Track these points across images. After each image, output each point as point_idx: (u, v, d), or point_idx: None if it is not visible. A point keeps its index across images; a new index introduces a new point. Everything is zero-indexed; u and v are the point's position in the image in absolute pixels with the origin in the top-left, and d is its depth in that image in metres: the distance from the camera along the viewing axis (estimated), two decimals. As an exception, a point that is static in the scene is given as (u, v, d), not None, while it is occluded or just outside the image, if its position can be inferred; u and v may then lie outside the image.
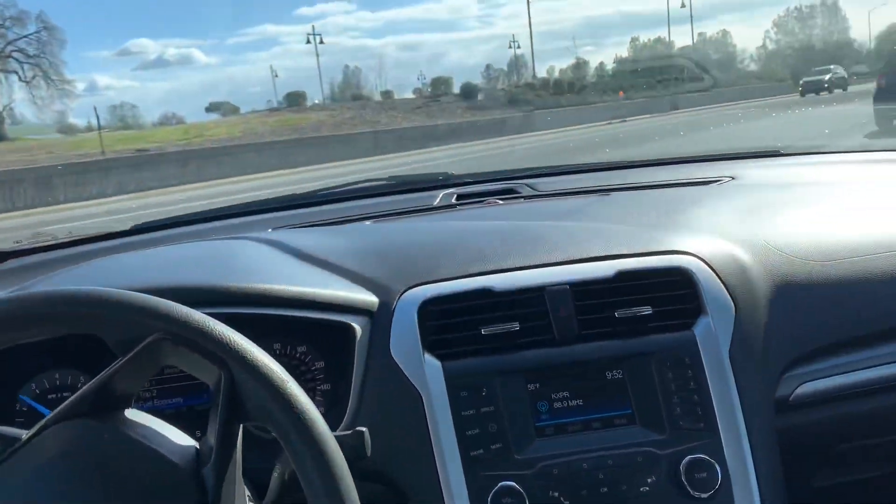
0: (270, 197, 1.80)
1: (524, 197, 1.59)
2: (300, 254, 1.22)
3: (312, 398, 1.09)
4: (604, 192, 1.54)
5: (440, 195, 1.66)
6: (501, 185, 1.69)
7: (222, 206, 1.86)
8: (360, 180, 1.82)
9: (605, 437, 1.01)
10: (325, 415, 0.73)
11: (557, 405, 1.03)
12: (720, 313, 1.08)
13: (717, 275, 1.11)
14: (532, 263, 1.12)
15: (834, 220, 1.31)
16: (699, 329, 1.06)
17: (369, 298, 1.08)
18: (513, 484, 0.97)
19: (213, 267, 1.16)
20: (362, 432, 0.81)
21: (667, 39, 55.62)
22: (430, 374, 1.02)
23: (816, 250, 1.20)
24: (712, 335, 1.06)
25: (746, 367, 1.05)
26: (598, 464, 0.99)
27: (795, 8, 56.14)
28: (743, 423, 1.02)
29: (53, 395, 1.11)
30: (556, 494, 0.98)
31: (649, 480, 0.99)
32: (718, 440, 1.01)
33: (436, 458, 0.98)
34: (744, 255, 1.16)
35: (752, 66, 54.36)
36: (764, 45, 57.28)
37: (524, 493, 0.97)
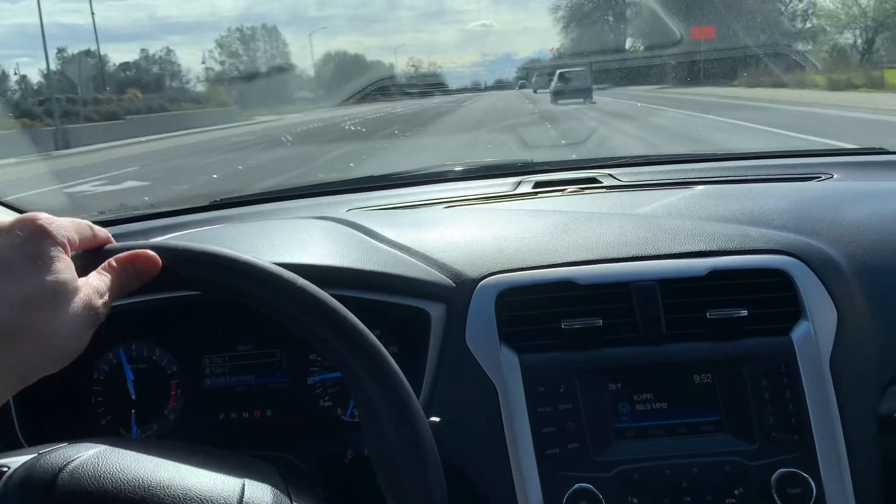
0: (346, 178, 1.78)
1: (606, 187, 1.53)
2: (376, 236, 1.19)
3: None
4: (690, 184, 1.47)
5: (518, 182, 1.61)
6: (581, 174, 1.63)
7: (291, 187, 1.86)
8: (436, 165, 1.79)
9: (691, 444, 0.96)
10: None
11: (640, 407, 0.98)
12: (821, 318, 1.00)
13: (819, 277, 1.03)
14: (618, 256, 1.06)
15: None
16: (797, 334, 0.99)
17: (446, 284, 1.05)
18: (589, 486, 0.92)
19: (293, 246, 1.15)
20: (436, 423, 0.78)
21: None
22: (506, 367, 0.98)
23: None
24: (812, 341, 0.99)
25: (848, 378, 0.98)
26: (682, 471, 0.94)
27: (237, 28, 51.88)
28: (842, 438, 0.94)
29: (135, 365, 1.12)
30: (635, 501, 0.93)
31: (736, 492, 0.93)
32: (814, 454, 0.94)
33: (509, 455, 0.95)
34: (845, 258, 1.08)
35: (200, 88, 46.93)
36: (210, 67, 50.01)
37: (601, 497, 0.92)
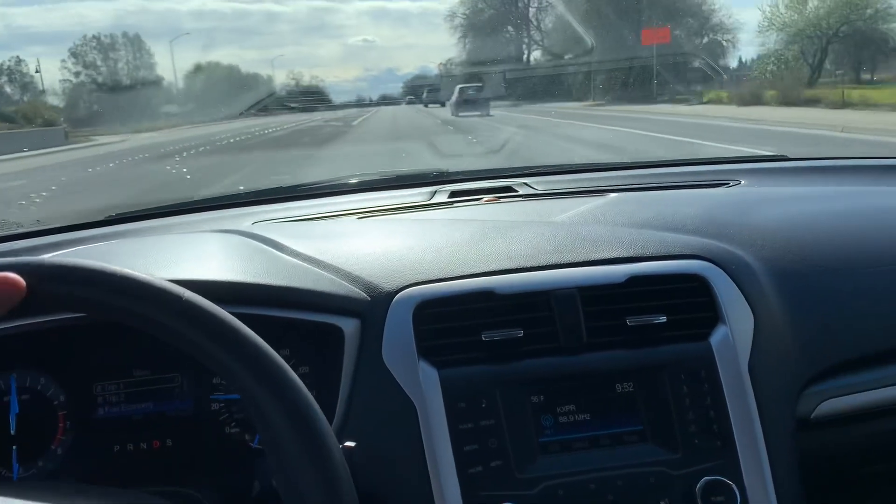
0: (251, 190, 1.70)
1: (522, 196, 1.51)
2: (284, 249, 1.13)
3: None
4: (603, 192, 1.46)
5: (434, 192, 1.58)
6: (497, 183, 1.60)
7: (193, 199, 1.76)
8: (348, 175, 1.73)
9: (615, 455, 0.93)
10: None
11: (563, 419, 0.95)
12: (738, 323, 1.00)
13: (734, 281, 1.03)
14: (536, 265, 1.03)
15: (851, 227, 1.24)
16: (716, 339, 0.98)
17: (360, 298, 0.99)
18: None
19: (190, 261, 1.07)
20: (350, 448, 0.73)
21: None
22: (425, 383, 0.93)
23: (835, 258, 1.13)
24: (730, 346, 0.98)
25: (766, 382, 0.98)
26: (607, 484, 0.91)
27: (94, 37, 44.24)
28: (763, 442, 0.94)
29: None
30: None
31: (662, 503, 0.91)
32: (736, 460, 0.93)
33: (430, 476, 0.90)
34: (759, 261, 1.08)
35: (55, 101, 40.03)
36: (67, 79, 43.16)
37: None
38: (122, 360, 1.04)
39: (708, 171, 1.65)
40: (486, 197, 1.49)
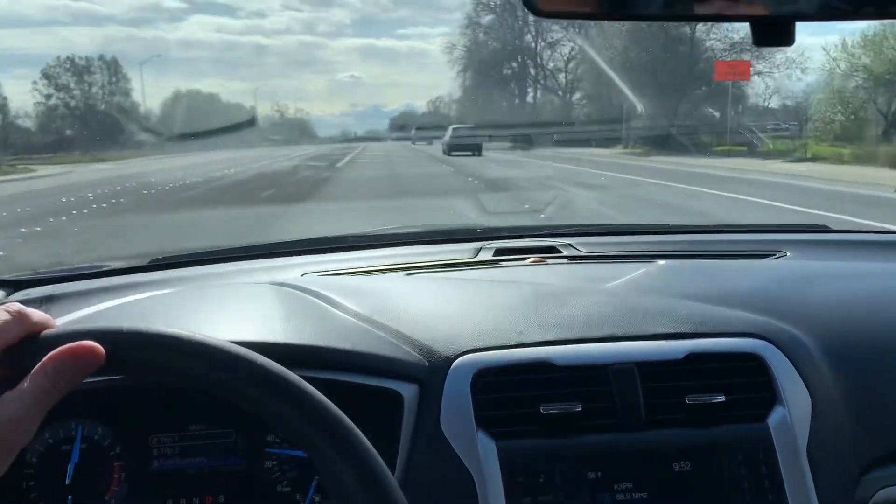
0: (298, 239, 1.72)
1: (567, 257, 1.52)
2: (339, 306, 1.14)
3: None
4: (650, 258, 1.47)
5: (477, 248, 1.59)
6: (541, 242, 1.62)
7: (245, 245, 1.78)
8: (391, 227, 1.75)
9: None
10: None
11: (620, 497, 0.94)
12: (796, 404, 1.00)
13: (791, 361, 1.03)
14: (593, 336, 1.04)
15: None
16: (774, 420, 0.98)
17: (418, 363, 1.00)
18: None
19: (249, 319, 1.08)
20: None
21: None
22: (483, 455, 0.93)
23: (891, 338, 1.12)
24: (788, 428, 0.98)
25: (825, 466, 0.97)
26: None
27: (68, 58, 41.39)
28: None
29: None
30: None
31: None
32: None
33: None
34: (815, 341, 1.08)
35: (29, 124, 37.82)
36: (40, 101, 39.54)
37: None
38: (179, 413, 1.05)
39: (750, 241, 1.66)
40: (532, 258, 1.50)
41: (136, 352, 0.67)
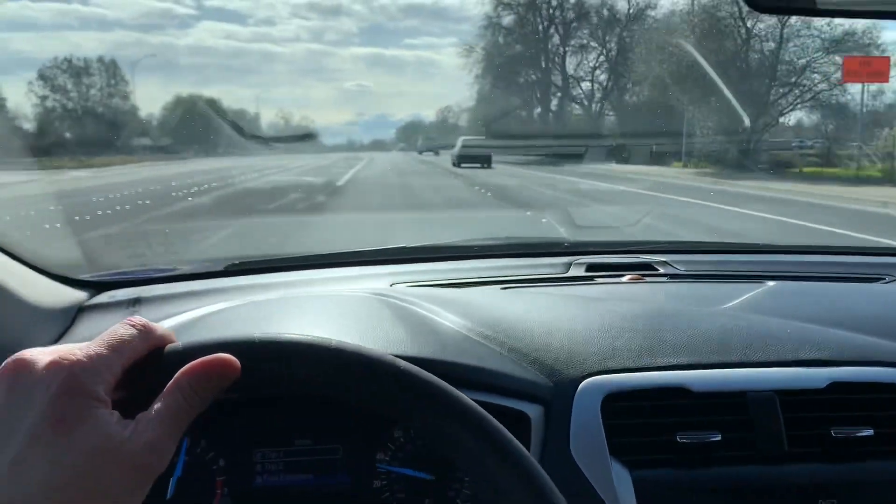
0: (378, 248, 1.67)
1: (666, 276, 1.45)
2: (446, 318, 1.08)
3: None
4: (756, 278, 1.40)
5: (567, 263, 1.53)
6: (633, 259, 1.55)
7: (316, 254, 1.73)
8: (476, 239, 1.69)
9: None
10: None
11: None
12: None
13: None
14: (727, 361, 0.97)
15: None
16: None
17: (543, 383, 0.94)
18: None
19: (363, 330, 1.02)
20: None
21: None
22: (618, 484, 0.87)
23: None
24: None
25: None
26: None
27: (66, 59, 38.06)
28: None
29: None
30: None
31: None
32: None
33: None
34: None
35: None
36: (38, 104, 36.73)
37: None
38: (284, 427, 1.01)
39: (854, 263, 1.58)
40: (629, 275, 1.43)
41: (273, 363, 0.63)
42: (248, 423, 1.00)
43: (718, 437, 0.90)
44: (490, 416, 0.63)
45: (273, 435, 1.00)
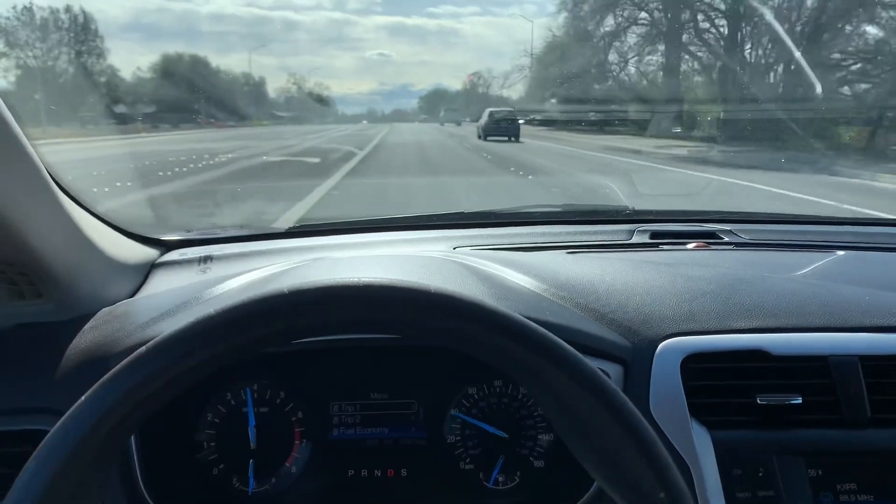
0: (436, 213, 1.67)
1: (732, 244, 1.44)
2: (519, 279, 1.09)
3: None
4: (825, 247, 1.38)
5: (630, 230, 1.52)
6: (698, 228, 1.53)
7: (376, 218, 1.74)
8: (537, 206, 1.69)
9: None
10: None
11: (844, 499, 0.87)
12: None
13: None
14: (807, 326, 0.96)
15: None
16: None
17: (622, 343, 0.94)
18: None
19: (455, 286, 1.02)
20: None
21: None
22: (699, 444, 0.87)
23: None
24: None
25: None
26: None
27: (26, 8, 33.33)
28: None
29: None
30: None
31: None
32: None
33: None
34: None
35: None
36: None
37: None
38: (361, 381, 1.02)
39: None
40: (694, 242, 1.42)
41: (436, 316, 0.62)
42: (325, 377, 1.02)
43: (800, 400, 0.90)
44: (602, 375, 0.63)
45: (350, 389, 1.02)
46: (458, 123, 37.10)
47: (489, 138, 23.12)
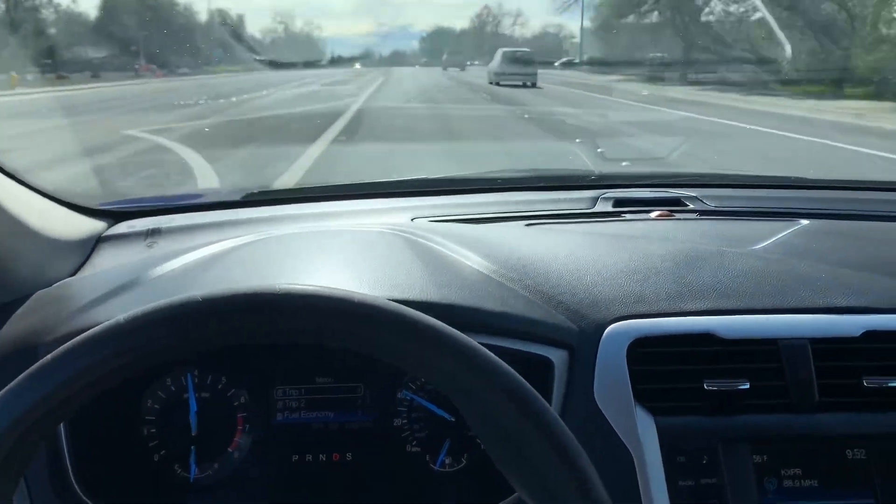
0: (397, 180, 1.63)
1: (696, 212, 1.41)
2: (466, 258, 1.06)
3: None
4: (790, 215, 1.35)
5: (594, 197, 1.48)
6: (663, 194, 1.50)
7: (336, 184, 1.69)
8: (501, 171, 1.65)
9: None
10: None
11: (787, 483, 0.86)
12: None
13: None
14: (758, 307, 0.94)
15: None
16: None
17: (568, 328, 0.92)
18: None
19: (371, 269, 0.99)
20: None
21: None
22: (642, 431, 0.85)
23: None
24: None
25: None
26: None
27: None
28: None
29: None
30: None
31: None
32: None
33: None
34: None
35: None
36: None
37: None
38: (305, 365, 1.00)
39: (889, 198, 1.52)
40: (657, 211, 1.39)
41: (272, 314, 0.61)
42: (268, 361, 0.99)
43: (747, 385, 0.88)
44: (504, 364, 0.61)
45: (294, 373, 1.00)
46: (462, 68, 34.69)
47: (502, 83, 19.84)
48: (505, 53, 21.45)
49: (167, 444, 0.97)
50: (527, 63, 20.56)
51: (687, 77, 20.76)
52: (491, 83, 20.52)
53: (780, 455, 0.87)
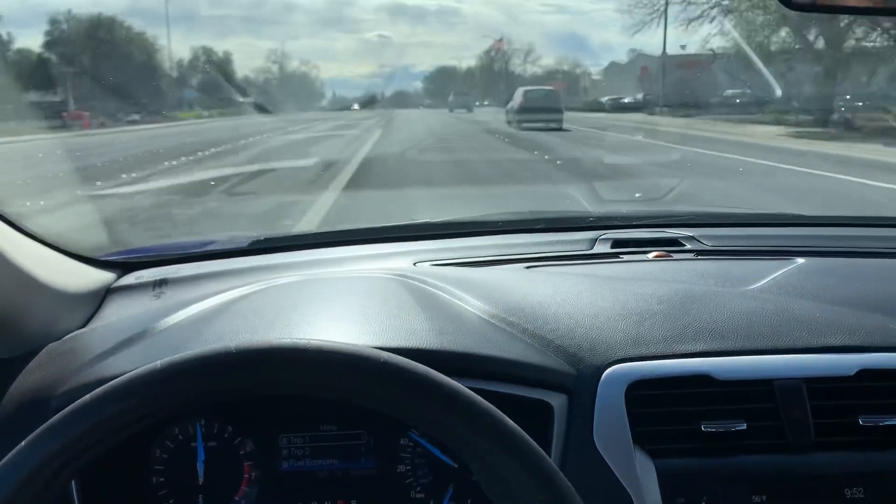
0: (401, 224, 1.66)
1: (693, 252, 1.43)
2: (467, 303, 1.08)
3: None
4: (787, 253, 1.37)
5: (592, 239, 1.51)
6: (660, 234, 1.52)
7: (340, 230, 1.72)
8: (500, 213, 1.67)
9: None
10: None
11: None
12: None
13: None
14: (753, 348, 0.96)
15: None
16: None
17: (566, 371, 0.94)
18: None
19: (380, 320, 1.01)
20: None
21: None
22: (642, 474, 0.87)
23: None
24: None
25: None
26: None
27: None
28: None
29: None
30: None
31: None
32: None
33: None
34: None
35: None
36: None
37: None
38: (309, 413, 1.01)
39: (890, 237, 1.54)
40: (655, 252, 1.41)
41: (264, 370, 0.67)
42: (273, 410, 1.01)
43: (744, 426, 0.89)
44: (497, 412, 0.63)
45: (298, 421, 1.01)
46: (470, 109, 33.48)
47: (524, 125, 17.80)
48: (527, 93, 19.68)
49: (175, 493, 0.99)
50: (552, 103, 18.72)
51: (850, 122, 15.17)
52: (509, 123, 18.72)
53: (779, 495, 0.88)
